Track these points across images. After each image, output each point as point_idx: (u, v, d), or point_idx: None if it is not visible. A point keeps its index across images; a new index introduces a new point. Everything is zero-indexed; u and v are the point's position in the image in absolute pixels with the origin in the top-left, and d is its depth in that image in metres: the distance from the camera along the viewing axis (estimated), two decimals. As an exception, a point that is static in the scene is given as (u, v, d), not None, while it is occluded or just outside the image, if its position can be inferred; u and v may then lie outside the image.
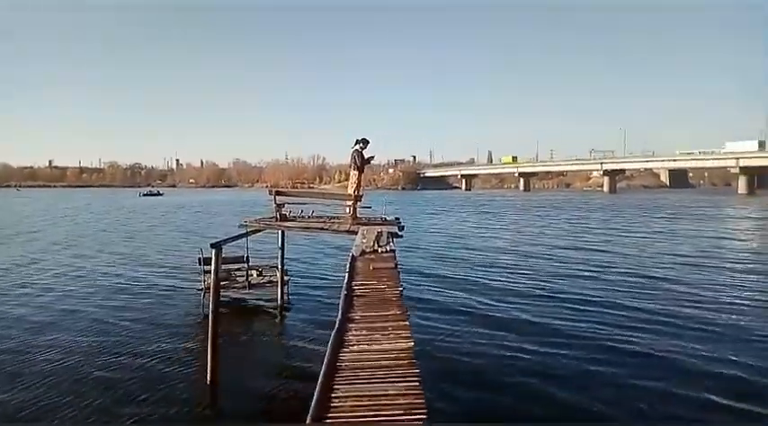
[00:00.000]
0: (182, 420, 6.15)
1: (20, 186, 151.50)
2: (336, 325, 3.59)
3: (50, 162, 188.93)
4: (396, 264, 5.66)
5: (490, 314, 10.79)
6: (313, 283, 13.87)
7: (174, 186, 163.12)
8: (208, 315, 9.35)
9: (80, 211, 49.08)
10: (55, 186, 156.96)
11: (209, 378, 6.85)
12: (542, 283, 13.80)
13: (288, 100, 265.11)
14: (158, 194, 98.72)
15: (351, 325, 3.67)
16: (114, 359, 8.05)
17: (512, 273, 15.34)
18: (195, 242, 22.24)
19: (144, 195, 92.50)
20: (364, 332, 3.53)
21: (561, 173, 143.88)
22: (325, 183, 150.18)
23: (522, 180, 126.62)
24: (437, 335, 9.21)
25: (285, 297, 11.48)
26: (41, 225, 33.48)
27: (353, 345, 3.30)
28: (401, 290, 4.62)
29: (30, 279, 14.77)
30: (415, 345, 3.27)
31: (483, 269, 16.18)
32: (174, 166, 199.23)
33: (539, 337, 9.08)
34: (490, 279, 14.41)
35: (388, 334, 3.49)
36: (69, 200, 72.80)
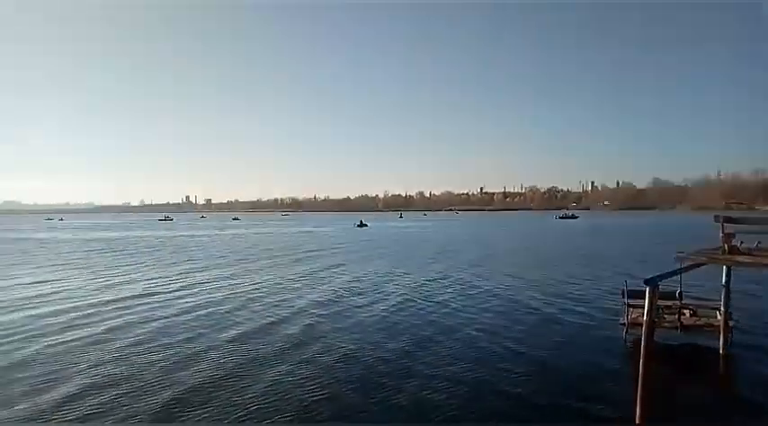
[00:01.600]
0: None
1: (458, 210, 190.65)
2: None
3: (481, 188, 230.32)
4: None
5: None
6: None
7: (587, 209, 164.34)
8: (629, 353, 8.81)
9: (506, 233, 56.30)
10: (483, 210, 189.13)
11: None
12: None
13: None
14: (573, 217, 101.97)
15: None
16: (529, 387, 7.86)
17: None
18: (611, 272, 21.44)
19: (559, 218, 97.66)
20: None
21: None
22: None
23: None
24: None
25: (728, 348, 9.35)
26: (472, 245, 40.11)
27: None
28: None
29: (438, 295, 16.21)
30: None
31: None
32: (589, 188, 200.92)
33: None
34: None
35: None
36: (494, 224, 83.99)
